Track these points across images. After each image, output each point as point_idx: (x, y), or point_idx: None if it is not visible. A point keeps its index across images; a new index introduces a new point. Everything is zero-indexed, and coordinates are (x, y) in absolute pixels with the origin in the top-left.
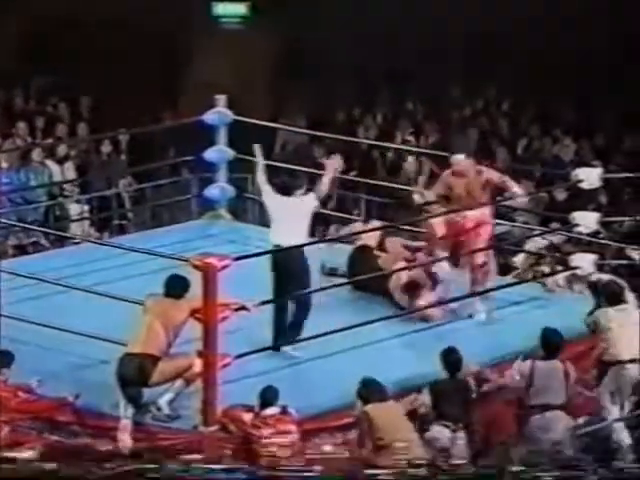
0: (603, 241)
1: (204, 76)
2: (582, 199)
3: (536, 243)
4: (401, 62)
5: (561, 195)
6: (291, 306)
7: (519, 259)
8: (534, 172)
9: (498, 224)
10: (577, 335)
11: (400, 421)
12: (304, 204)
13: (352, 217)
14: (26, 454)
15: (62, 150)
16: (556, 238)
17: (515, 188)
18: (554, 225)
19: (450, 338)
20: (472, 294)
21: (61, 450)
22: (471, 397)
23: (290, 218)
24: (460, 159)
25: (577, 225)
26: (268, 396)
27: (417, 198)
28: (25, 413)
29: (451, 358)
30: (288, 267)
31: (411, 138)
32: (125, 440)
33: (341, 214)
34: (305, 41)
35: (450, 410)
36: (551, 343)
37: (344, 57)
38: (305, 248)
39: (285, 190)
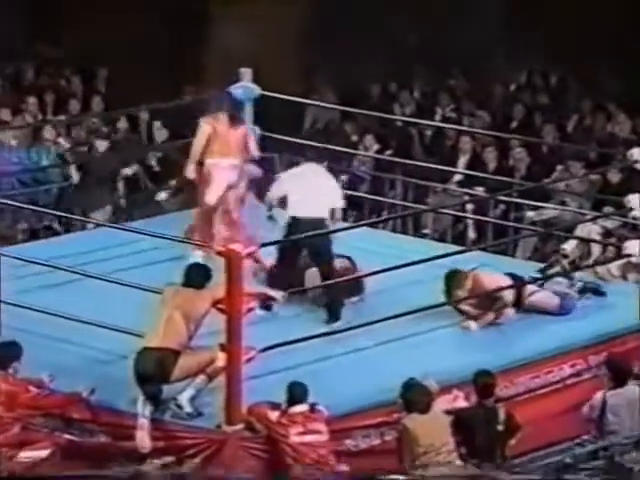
0: None
1: (228, 48)
2: (638, 181)
3: (588, 228)
4: (440, 31)
5: (615, 177)
6: None
7: (569, 246)
8: (586, 152)
9: (546, 208)
10: (633, 329)
11: (441, 434)
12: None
13: (387, 200)
14: (37, 453)
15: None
16: (610, 223)
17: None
18: (607, 209)
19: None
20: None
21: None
22: (497, 428)
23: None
24: None
25: (632, 209)
26: (296, 392)
27: None
28: (36, 409)
29: (482, 381)
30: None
31: (453, 115)
32: (143, 439)
33: (376, 197)
34: (336, 9)
35: (479, 446)
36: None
37: (378, 27)
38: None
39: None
